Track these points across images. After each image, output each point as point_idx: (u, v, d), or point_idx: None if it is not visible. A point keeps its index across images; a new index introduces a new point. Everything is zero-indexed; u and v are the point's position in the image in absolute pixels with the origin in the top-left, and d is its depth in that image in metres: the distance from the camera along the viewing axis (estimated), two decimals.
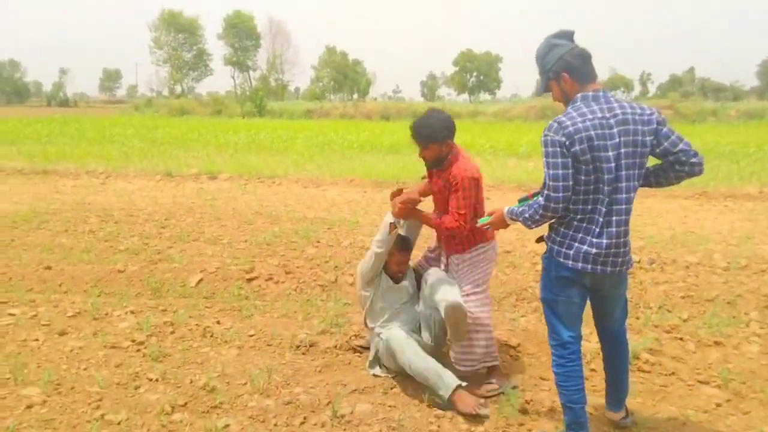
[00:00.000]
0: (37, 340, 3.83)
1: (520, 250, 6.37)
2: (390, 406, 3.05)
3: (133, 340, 3.84)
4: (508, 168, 13.39)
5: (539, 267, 5.67)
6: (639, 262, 5.96)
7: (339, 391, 3.21)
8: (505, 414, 3.04)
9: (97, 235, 6.69)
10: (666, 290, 5.12)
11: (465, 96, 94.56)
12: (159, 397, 3.10)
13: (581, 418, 2.68)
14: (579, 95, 2.54)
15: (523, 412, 3.07)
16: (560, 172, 2.45)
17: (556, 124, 2.49)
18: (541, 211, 2.52)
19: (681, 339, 4.07)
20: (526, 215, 2.60)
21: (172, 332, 4.02)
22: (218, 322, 4.24)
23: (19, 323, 4.12)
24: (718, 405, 3.25)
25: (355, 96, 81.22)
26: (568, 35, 2.65)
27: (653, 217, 8.29)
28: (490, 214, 2.87)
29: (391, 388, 3.27)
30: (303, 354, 3.77)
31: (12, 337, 3.87)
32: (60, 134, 20.86)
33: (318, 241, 6.62)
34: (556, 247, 2.62)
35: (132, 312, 4.39)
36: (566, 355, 2.67)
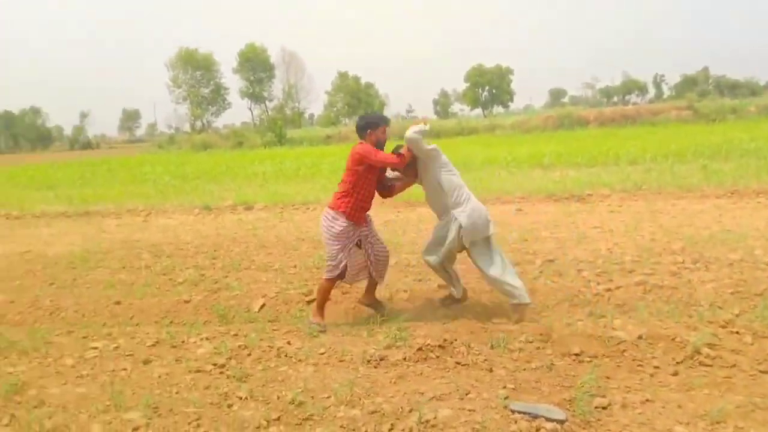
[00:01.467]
0: (125, 369, 4.08)
1: (563, 258, 6.52)
2: (470, 410, 3.23)
3: (214, 364, 4.08)
4: (534, 179, 13.54)
5: (584, 273, 5.84)
6: (683, 262, 6.07)
7: (418, 399, 3.40)
8: (580, 413, 3.19)
9: (153, 270, 7.00)
10: (714, 288, 5.24)
11: (478, 110, 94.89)
12: (252, 414, 3.32)
13: None
14: None
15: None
16: None
17: None
18: None
19: (737, 333, 4.19)
20: None
21: (249, 354, 4.25)
22: (289, 343, 4.46)
23: (103, 355, 4.39)
24: None
25: None
26: None
27: (688, 217, 8.38)
28: None
29: (467, 394, 3.45)
30: (375, 368, 3.97)
31: (101, 368, 4.13)
32: (92, 176, 21.53)
33: None
34: None
35: (206, 338, 4.64)
36: None
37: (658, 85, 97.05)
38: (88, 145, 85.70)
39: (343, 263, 4.78)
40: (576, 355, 4.06)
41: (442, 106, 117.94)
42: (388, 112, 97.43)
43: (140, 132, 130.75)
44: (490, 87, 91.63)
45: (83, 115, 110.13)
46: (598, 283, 5.59)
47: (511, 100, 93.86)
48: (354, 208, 4.74)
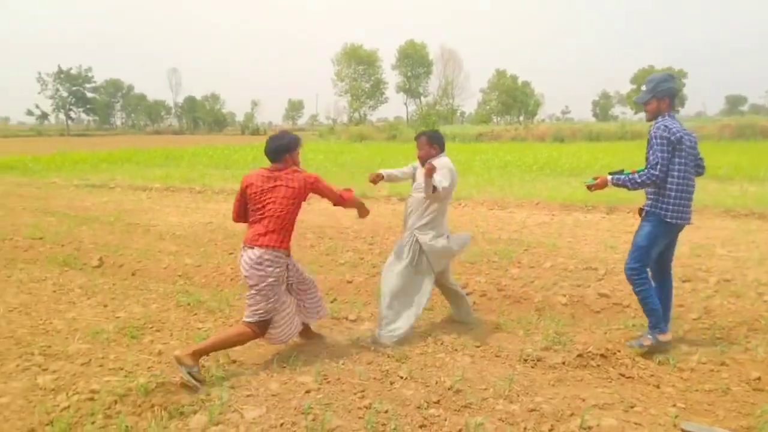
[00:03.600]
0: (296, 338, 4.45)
1: (741, 279, 5.96)
2: (636, 424, 3.11)
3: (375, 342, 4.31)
4: (708, 192, 12.42)
5: (766, 297, 5.33)
6: None
7: (579, 404, 3.34)
8: None
9: (318, 250, 7.50)
10: None
11: (642, 115, 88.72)
12: (413, 393, 3.48)
13: None
14: (667, 114, 4.11)
15: None
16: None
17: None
18: None
19: None
20: None
21: (406, 338, 4.43)
22: (445, 332, 4.58)
23: None
24: None
25: (521, 118, 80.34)
26: (676, 77, 4.20)
27: None
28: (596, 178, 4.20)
29: (632, 407, 3.32)
30: (532, 367, 3.95)
31: None
32: (262, 159, 23.25)
33: (519, 262, 6.78)
34: None
35: (366, 318, 4.90)
36: None
37: None
38: (256, 131, 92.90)
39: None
40: (755, 381, 3.73)
41: (601, 108, 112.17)
42: (543, 113, 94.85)
43: (302, 121, 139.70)
44: None
45: (254, 104, 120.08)
46: None
47: (682, 105, 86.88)
48: (288, 240, 3.95)
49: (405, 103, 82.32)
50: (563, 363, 3.98)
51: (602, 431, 3.04)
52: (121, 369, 3.86)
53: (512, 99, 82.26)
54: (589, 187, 4.24)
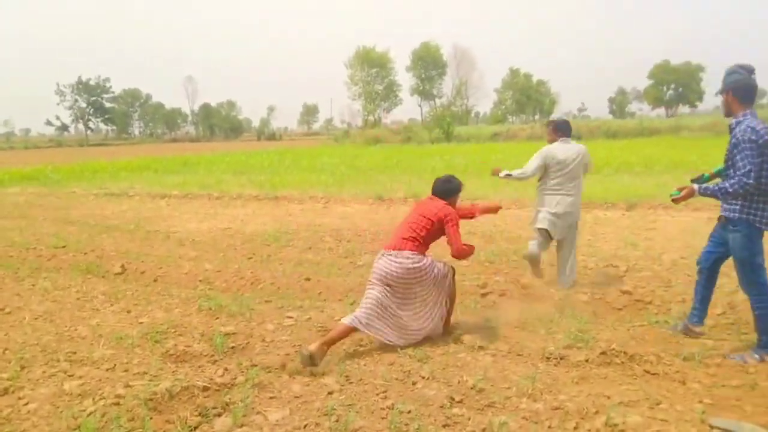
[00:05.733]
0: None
1: None
2: (662, 420, 3.07)
3: None
4: None
5: None
6: None
7: (604, 402, 3.31)
8: None
9: (336, 252, 7.53)
10: None
11: (660, 111, 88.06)
12: (435, 393, 3.47)
13: None
14: (749, 112, 3.80)
15: None
16: None
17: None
18: None
19: None
20: None
21: (428, 338, 4.43)
22: (465, 332, 4.56)
23: (297, 324, 4.84)
24: None
25: (537, 116, 79.92)
26: (749, 69, 3.84)
27: None
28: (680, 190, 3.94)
29: (658, 404, 3.28)
30: (555, 366, 3.92)
31: (297, 336, 4.57)
32: (279, 164, 23.53)
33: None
34: None
35: None
36: None
37: None
38: (272, 137, 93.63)
39: None
40: None
41: (618, 104, 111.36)
42: (559, 110, 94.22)
43: (317, 125, 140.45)
44: (676, 85, 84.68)
45: (270, 109, 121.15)
46: None
47: (700, 99, 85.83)
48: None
49: (419, 105, 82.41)
50: (586, 361, 3.94)
51: (628, 428, 3.00)
52: (146, 373, 3.89)
53: (527, 98, 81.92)
54: (675, 200, 3.98)
